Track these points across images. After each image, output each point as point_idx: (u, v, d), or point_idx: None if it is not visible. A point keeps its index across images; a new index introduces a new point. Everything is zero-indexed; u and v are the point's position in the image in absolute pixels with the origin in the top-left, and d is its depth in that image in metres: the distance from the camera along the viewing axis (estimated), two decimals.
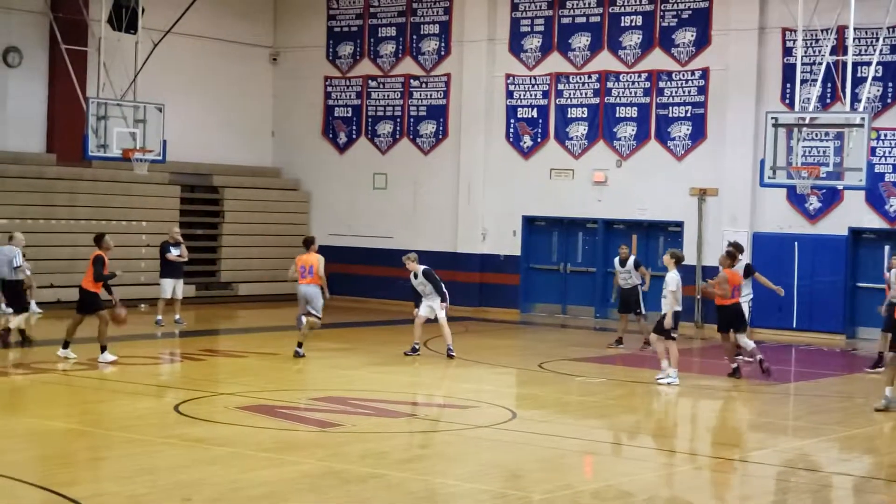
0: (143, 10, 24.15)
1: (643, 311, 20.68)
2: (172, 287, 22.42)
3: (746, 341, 17.93)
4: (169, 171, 27.11)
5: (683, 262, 18.00)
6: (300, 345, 18.34)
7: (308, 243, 18.74)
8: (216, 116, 29.18)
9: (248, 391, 15.58)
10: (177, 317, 22.49)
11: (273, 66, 30.40)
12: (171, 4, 25.21)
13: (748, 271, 19.43)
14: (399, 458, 11.98)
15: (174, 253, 22.52)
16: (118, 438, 12.50)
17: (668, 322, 16.82)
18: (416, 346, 19.04)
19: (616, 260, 20.91)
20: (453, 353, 18.71)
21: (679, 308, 16.95)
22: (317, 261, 18.43)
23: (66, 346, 17.55)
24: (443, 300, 18.96)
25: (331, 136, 29.82)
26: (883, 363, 17.96)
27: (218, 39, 28.95)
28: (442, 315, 18.75)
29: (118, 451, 11.98)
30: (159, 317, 22.33)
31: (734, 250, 18.55)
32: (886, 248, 23.55)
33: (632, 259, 20.56)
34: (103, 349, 17.27)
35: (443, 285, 19.25)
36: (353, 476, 11.07)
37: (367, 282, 28.70)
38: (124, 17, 23.96)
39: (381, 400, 15.23)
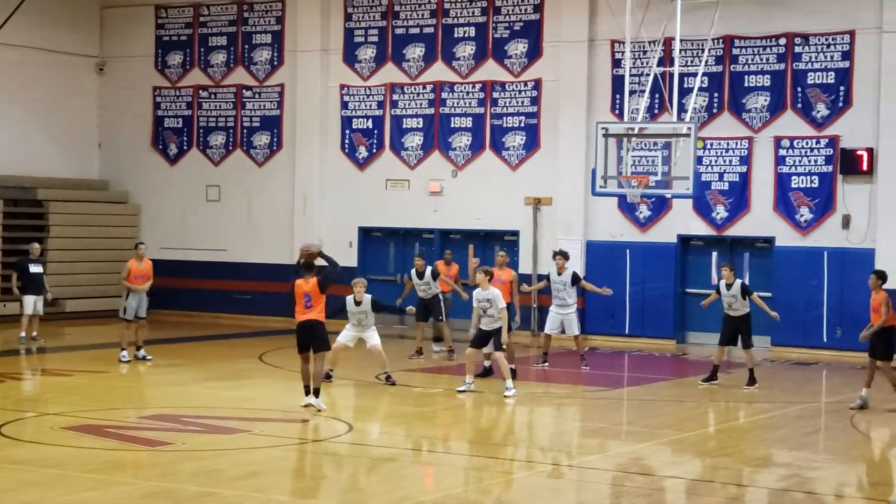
0: None
1: (444, 319, 21.01)
2: (33, 303, 21.95)
3: None
4: None
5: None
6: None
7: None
8: (40, 128, 28.26)
9: (75, 410, 15.05)
10: (34, 334, 22.00)
11: (99, 76, 29.59)
12: None
13: (575, 279, 19.71)
14: (233, 475, 11.68)
15: (34, 269, 22.11)
16: None
17: (504, 338, 16.92)
18: (329, 373, 17.47)
19: (413, 272, 21.17)
20: (393, 380, 17.61)
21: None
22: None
23: (316, 393, 15.21)
24: (407, 310, 19.18)
25: (161, 147, 29.16)
26: (717, 376, 18.30)
27: (41, 49, 28.04)
28: (377, 342, 17.48)
29: None
30: (23, 334, 21.80)
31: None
32: (714, 254, 24.16)
33: (428, 269, 20.95)
34: (317, 392, 15.18)
35: (393, 306, 19.68)
36: (184, 495, 10.75)
37: (200, 296, 28.17)
38: None
39: (214, 416, 14.91)
